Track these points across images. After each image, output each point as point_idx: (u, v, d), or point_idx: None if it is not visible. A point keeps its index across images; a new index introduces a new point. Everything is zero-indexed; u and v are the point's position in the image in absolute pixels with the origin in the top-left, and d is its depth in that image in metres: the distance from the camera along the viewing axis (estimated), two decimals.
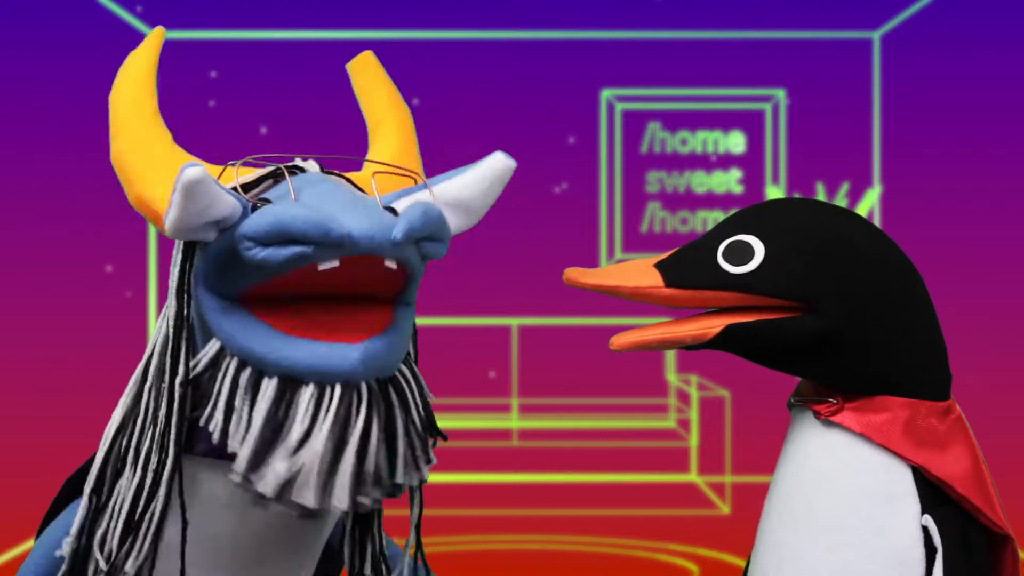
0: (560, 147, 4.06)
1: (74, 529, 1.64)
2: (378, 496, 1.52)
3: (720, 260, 1.64)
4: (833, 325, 1.61)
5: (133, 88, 1.62)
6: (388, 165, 1.67)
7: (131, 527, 1.59)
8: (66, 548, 1.65)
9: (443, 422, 1.64)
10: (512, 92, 4.00)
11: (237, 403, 1.51)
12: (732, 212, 1.73)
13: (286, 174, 1.56)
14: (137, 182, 1.55)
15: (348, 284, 1.51)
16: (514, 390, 4.11)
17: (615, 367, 4.05)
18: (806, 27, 4.00)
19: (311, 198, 1.52)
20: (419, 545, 1.74)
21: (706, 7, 4.02)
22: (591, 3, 4.04)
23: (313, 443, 1.48)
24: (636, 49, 4.03)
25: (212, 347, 1.55)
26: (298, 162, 1.63)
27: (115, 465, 1.62)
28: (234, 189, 1.55)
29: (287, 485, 1.49)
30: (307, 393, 1.49)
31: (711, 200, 4.14)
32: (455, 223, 1.61)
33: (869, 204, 3.99)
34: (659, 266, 1.66)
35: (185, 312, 1.58)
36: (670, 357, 4.10)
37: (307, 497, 1.49)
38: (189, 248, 1.58)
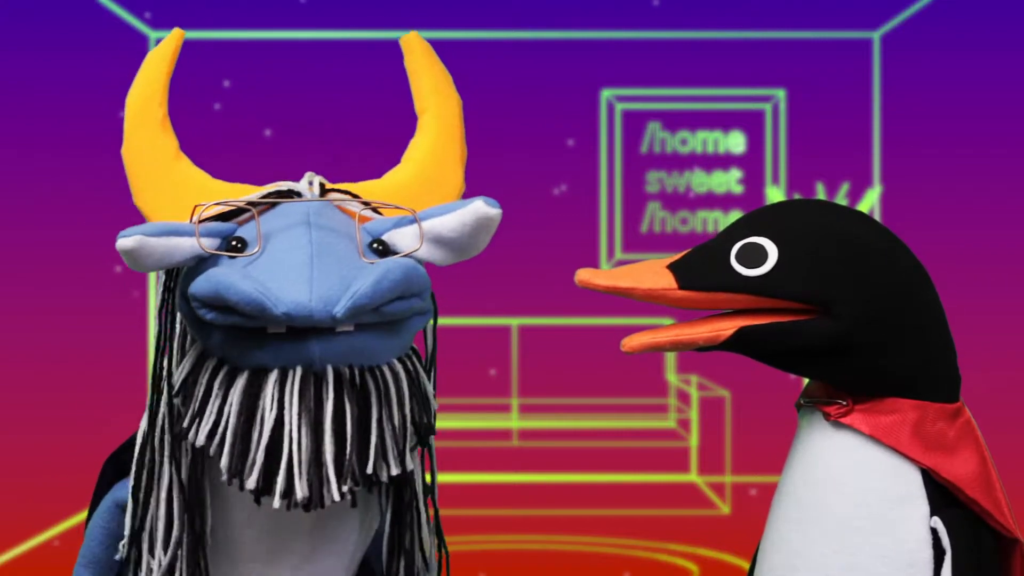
0: (560, 147, 4.06)
1: (126, 531, 1.67)
2: (350, 486, 1.52)
3: (733, 262, 1.64)
4: (847, 327, 1.61)
5: (144, 92, 1.64)
6: (379, 204, 1.65)
7: (170, 528, 1.61)
8: (121, 552, 1.68)
9: (443, 422, 1.64)
10: (512, 92, 4.00)
11: (211, 400, 1.54)
12: (744, 213, 1.73)
13: (256, 216, 1.55)
14: (137, 191, 1.58)
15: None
16: (514, 390, 4.10)
17: (615, 367, 4.04)
18: (806, 27, 4.00)
19: (272, 251, 1.52)
20: (442, 541, 1.75)
21: (706, 7, 4.02)
22: (591, 3, 4.04)
23: (288, 431, 1.50)
24: (636, 49, 4.03)
25: (193, 352, 1.58)
26: (302, 182, 1.62)
27: (149, 467, 1.64)
28: (197, 224, 1.55)
29: (271, 480, 1.50)
30: (271, 379, 1.50)
31: (711, 200, 4.14)
32: (441, 257, 1.60)
33: (869, 204, 3.99)
34: (672, 267, 1.66)
35: (167, 329, 1.61)
36: (670, 357, 4.10)
37: (297, 491, 1.50)
38: (172, 271, 1.61)
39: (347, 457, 1.51)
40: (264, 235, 1.54)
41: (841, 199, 3.98)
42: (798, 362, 1.65)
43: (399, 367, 1.57)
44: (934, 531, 1.64)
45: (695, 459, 4.10)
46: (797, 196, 4.01)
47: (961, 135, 3.95)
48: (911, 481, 1.64)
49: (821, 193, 4.01)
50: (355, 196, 1.63)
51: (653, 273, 1.66)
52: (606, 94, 4.07)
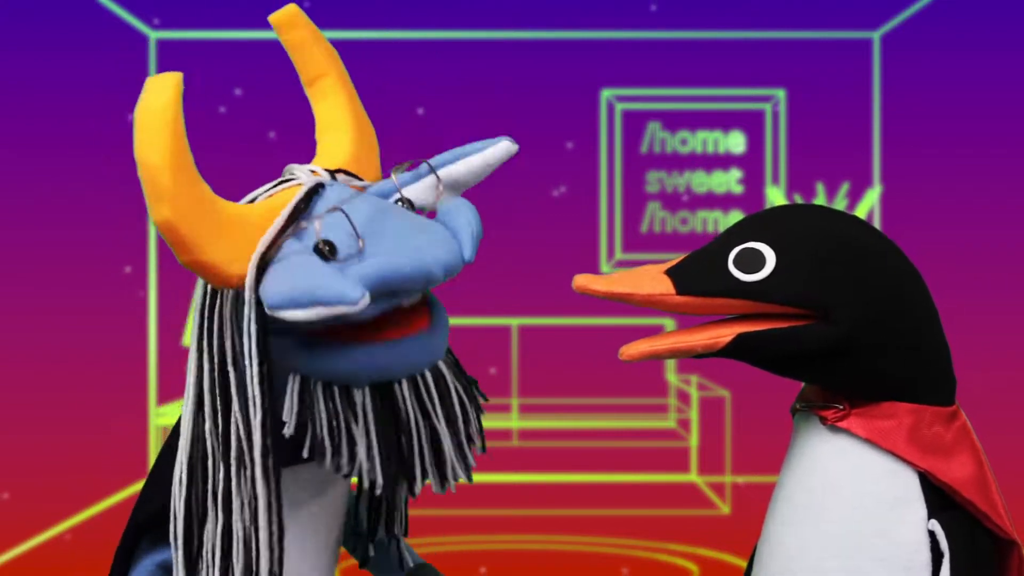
0: (560, 147, 4.06)
1: None
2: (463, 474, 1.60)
3: (731, 267, 1.63)
4: (846, 332, 1.61)
5: (167, 147, 1.51)
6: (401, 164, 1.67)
7: (229, 571, 1.58)
8: None
9: None
10: (512, 92, 4.00)
11: (339, 422, 1.52)
12: (741, 218, 1.72)
13: (344, 213, 1.53)
14: (195, 250, 1.49)
15: None
16: (514, 390, 4.11)
17: (615, 367, 4.04)
18: (806, 27, 4.00)
19: (376, 236, 1.52)
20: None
21: (706, 7, 4.02)
22: (591, 3, 4.04)
23: (441, 430, 1.55)
24: (636, 49, 4.03)
25: (294, 383, 1.53)
26: (305, 174, 1.62)
27: (199, 513, 1.59)
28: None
29: (413, 477, 1.54)
30: (405, 388, 1.52)
31: (711, 200, 4.14)
32: (445, 199, 1.63)
33: (869, 204, 3.99)
34: (670, 273, 1.65)
35: (268, 369, 1.54)
36: None
37: (436, 483, 1.56)
38: (260, 310, 1.53)
39: (475, 441, 1.60)
40: (336, 226, 1.54)
41: (841, 199, 3.98)
42: (797, 367, 1.65)
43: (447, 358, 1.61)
44: (932, 534, 1.64)
45: (695, 459, 4.10)
46: (797, 197, 4.02)
47: (961, 135, 3.95)
48: (908, 484, 1.64)
49: (821, 193, 4.01)
50: (350, 173, 1.65)
51: (651, 279, 1.66)
52: (606, 94, 4.07)
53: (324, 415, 1.52)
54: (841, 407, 1.66)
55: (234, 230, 1.53)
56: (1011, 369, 3.77)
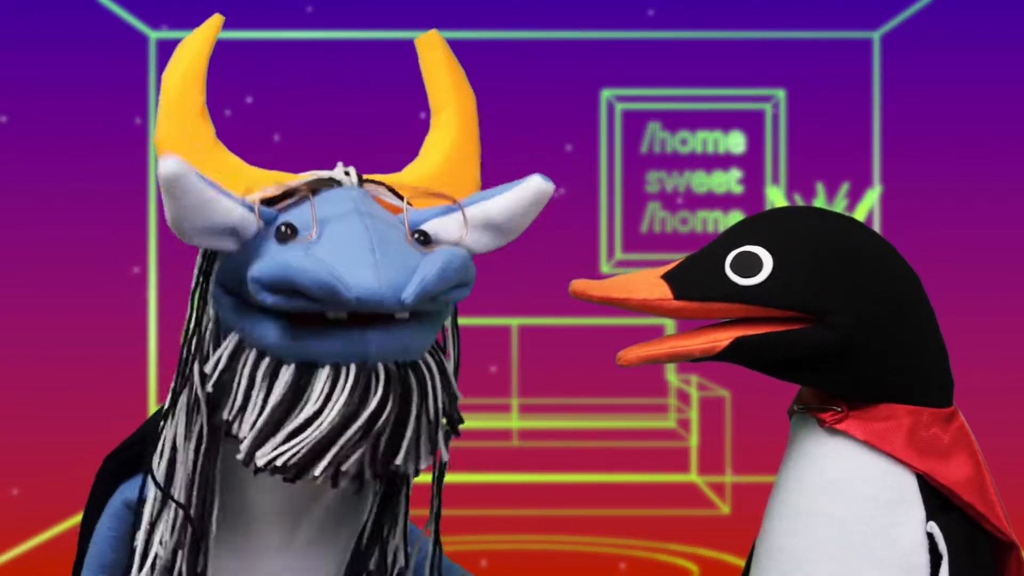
0: (560, 147, 4.06)
1: (144, 523, 1.65)
2: (369, 476, 1.52)
3: (728, 271, 1.63)
4: (843, 335, 1.61)
5: (185, 76, 1.60)
6: (423, 190, 1.64)
7: (189, 519, 1.61)
8: (140, 542, 1.66)
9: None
10: (512, 92, 4.00)
11: (254, 392, 1.52)
12: (737, 220, 1.72)
13: (311, 198, 1.55)
14: None
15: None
16: (514, 390, 4.11)
17: (615, 367, 4.04)
18: (806, 27, 4.00)
19: (331, 237, 1.51)
20: (437, 540, 1.76)
21: (706, 7, 4.02)
22: (591, 3, 4.04)
23: (321, 420, 1.49)
24: (636, 49, 4.03)
25: (231, 341, 1.56)
26: (337, 171, 1.61)
27: (171, 460, 1.63)
28: (256, 202, 1.54)
29: (282, 456, 1.50)
30: (323, 375, 1.49)
31: (711, 200, 4.14)
32: (487, 243, 1.60)
33: (869, 204, 3.99)
34: (667, 277, 1.65)
35: (203, 316, 1.58)
36: None
37: (296, 467, 1.50)
38: (209, 255, 1.58)
39: (379, 454, 1.51)
40: (320, 221, 1.53)
41: (841, 199, 3.99)
42: (794, 371, 1.65)
43: (431, 360, 1.56)
44: (930, 536, 1.64)
45: (695, 459, 4.10)
46: (797, 197, 4.02)
47: (961, 135, 3.95)
48: (906, 486, 1.64)
49: (821, 193, 4.01)
50: (389, 187, 1.63)
51: (648, 283, 1.65)
52: (606, 94, 4.07)
53: (245, 381, 1.52)
54: (839, 409, 1.66)
55: (218, 175, 1.54)
56: (1010, 370, 3.77)
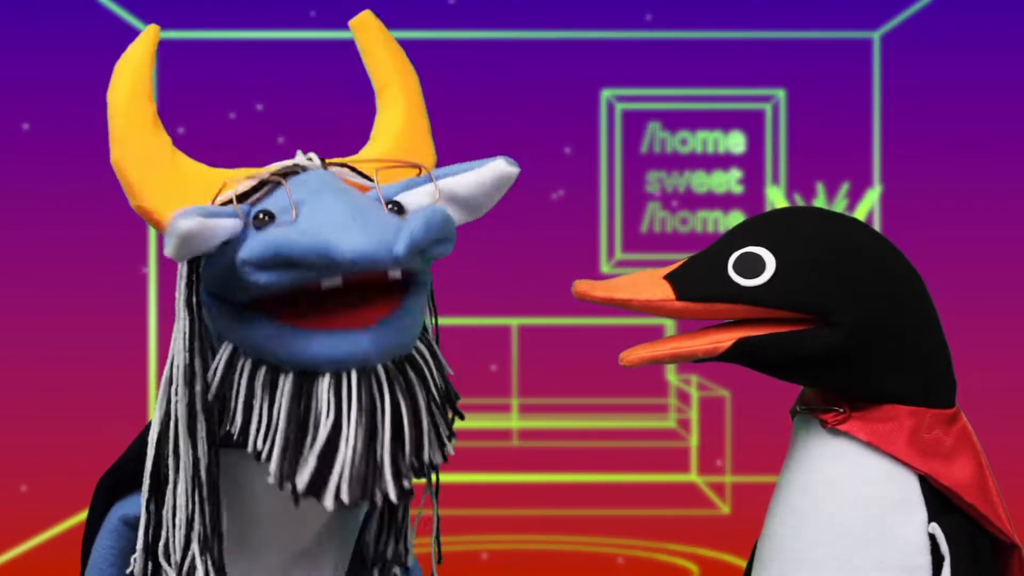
0: (559, 147, 4.06)
1: (139, 544, 1.64)
2: (412, 477, 1.52)
3: (731, 272, 1.64)
4: (846, 336, 1.61)
5: (128, 92, 1.59)
6: (391, 162, 1.65)
7: (190, 530, 1.59)
8: (136, 566, 1.64)
9: None
10: (511, 93, 4.00)
11: (255, 402, 1.51)
12: (741, 218, 1.73)
13: (284, 183, 1.55)
14: (137, 192, 1.53)
15: (353, 281, 1.51)
16: (514, 390, 4.11)
17: (615, 367, 4.04)
18: (806, 27, 4.00)
19: (311, 212, 1.51)
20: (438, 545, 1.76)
21: (706, 7, 4.02)
22: (591, 3, 4.04)
23: (346, 434, 1.48)
24: (636, 49, 4.03)
25: (225, 351, 1.55)
26: (299, 159, 1.62)
27: (163, 474, 1.61)
28: (230, 201, 1.54)
29: (323, 482, 1.48)
30: (324, 383, 1.49)
31: (711, 200, 4.14)
32: (455, 217, 1.60)
33: (869, 204, 3.99)
34: (669, 278, 1.65)
35: (197, 325, 1.57)
36: None
37: (345, 492, 1.48)
38: (193, 262, 1.57)
39: (406, 454, 1.50)
40: (297, 202, 1.53)
41: (841, 199, 3.99)
42: (797, 371, 1.65)
43: (423, 348, 1.56)
44: (932, 537, 1.64)
45: (695, 459, 4.10)
46: (798, 197, 4.02)
47: (961, 135, 3.95)
48: (908, 487, 1.64)
49: (821, 193, 4.01)
50: (353, 167, 1.63)
51: (650, 284, 1.66)
52: (606, 94, 4.07)
53: (244, 392, 1.52)
54: (841, 410, 1.66)
55: (187, 184, 1.55)
56: (1011, 371, 3.77)
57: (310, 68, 3.93)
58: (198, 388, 1.56)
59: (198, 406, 1.56)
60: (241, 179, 1.57)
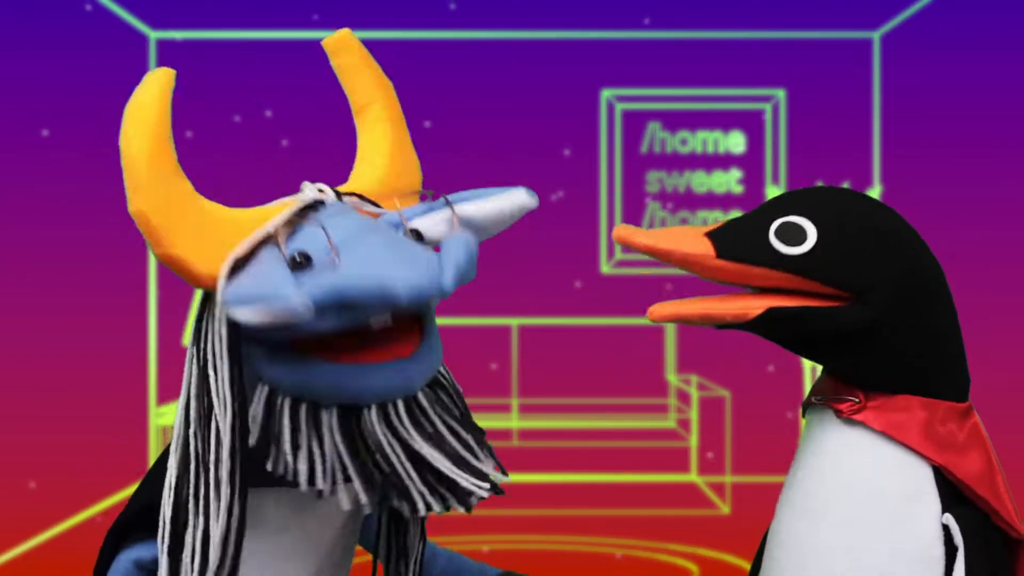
0: (559, 147, 4.06)
1: None
2: (485, 484, 1.56)
3: (772, 238, 1.63)
4: (878, 316, 1.61)
5: (150, 139, 1.53)
6: (413, 193, 1.65)
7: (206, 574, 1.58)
8: None
9: None
10: (512, 93, 4.00)
11: (302, 439, 1.50)
12: (781, 192, 1.73)
13: (325, 230, 1.52)
14: (165, 243, 1.50)
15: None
16: (514, 390, 4.11)
17: (615, 367, 4.04)
18: (806, 27, 4.00)
19: (351, 252, 1.49)
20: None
21: (706, 7, 4.02)
22: (591, 3, 4.04)
23: (408, 457, 1.50)
24: (636, 49, 4.03)
25: (262, 392, 1.53)
26: (309, 190, 1.61)
27: (183, 517, 1.59)
28: (273, 243, 1.52)
29: (408, 498, 1.51)
30: (372, 415, 1.49)
31: (711, 200, 4.14)
32: None
33: None
34: (711, 236, 1.65)
35: (238, 371, 1.54)
36: (670, 357, 4.10)
37: (432, 502, 1.52)
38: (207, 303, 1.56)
39: (480, 460, 1.54)
40: (315, 239, 1.52)
41: None
42: (821, 348, 1.65)
43: (441, 369, 1.59)
44: (946, 528, 1.64)
45: (695, 459, 4.10)
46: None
47: (961, 135, 3.95)
48: (922, 478, 1.64)
49: None
50: (363, 197, 1.63)
51: (691, 239, 1.64)
52: (606, 94, 4.07)
53: (288, 431, 1.51)
54: (856, 400, 1.66)
55: (212, 230, 1.53)
56: (1012, 370, 3.77)
57: (311, 70, 3.93)
58: (237, 430, 1.54)
59: (236, 446, 1.54)
60: (253, 223, 1.55)
